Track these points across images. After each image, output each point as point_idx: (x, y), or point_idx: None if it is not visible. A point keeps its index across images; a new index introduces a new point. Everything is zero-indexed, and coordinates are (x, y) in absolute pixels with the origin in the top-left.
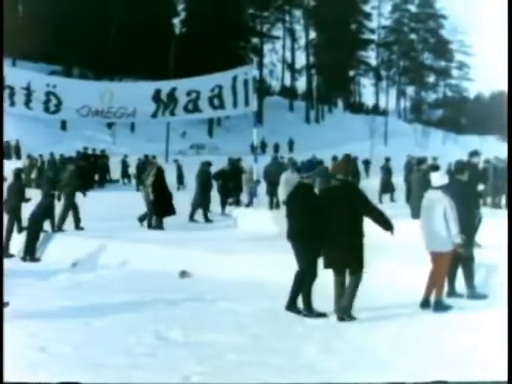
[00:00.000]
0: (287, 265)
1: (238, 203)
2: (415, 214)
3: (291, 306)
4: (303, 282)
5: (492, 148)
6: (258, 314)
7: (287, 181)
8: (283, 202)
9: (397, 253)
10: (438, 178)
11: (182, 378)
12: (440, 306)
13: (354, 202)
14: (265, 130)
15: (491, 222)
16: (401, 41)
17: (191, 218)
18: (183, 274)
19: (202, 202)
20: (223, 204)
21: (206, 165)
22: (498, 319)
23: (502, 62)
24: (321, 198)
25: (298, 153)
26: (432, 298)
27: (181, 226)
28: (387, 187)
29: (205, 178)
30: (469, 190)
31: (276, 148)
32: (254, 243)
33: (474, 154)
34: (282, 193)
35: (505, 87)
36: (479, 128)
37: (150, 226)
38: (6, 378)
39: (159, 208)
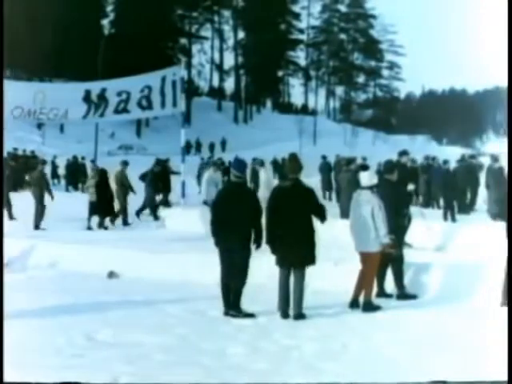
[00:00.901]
0: (215, 265)
1: (166, 203)
2: (344, 213)
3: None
4: (240, 284)
5: (422, 148)
6: (186, 315)
7: (209, 180)
8: (204, 202)
9: (325, 253)
10: (367, 178)
11: (111, 379)
12: (369, 307)
13: (306, 200)
14: (193, 131)
15: (422, 222)
16: (330, 41)
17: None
18: (111, 274)
19: (149, 201)
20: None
21: (157, 164)
22: (428, 318)
23: (434, 62)
24: (273, 196)
25: (227, 153)
26: (361, 299)
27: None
28: (328, 185)
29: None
30: (398, 189)
31: (211, 148)
32: (183, 243)
33: (404, 153)
34: (204, 192)
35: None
36: (409, 128)
37: (100, 226)
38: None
39: (100, 209)
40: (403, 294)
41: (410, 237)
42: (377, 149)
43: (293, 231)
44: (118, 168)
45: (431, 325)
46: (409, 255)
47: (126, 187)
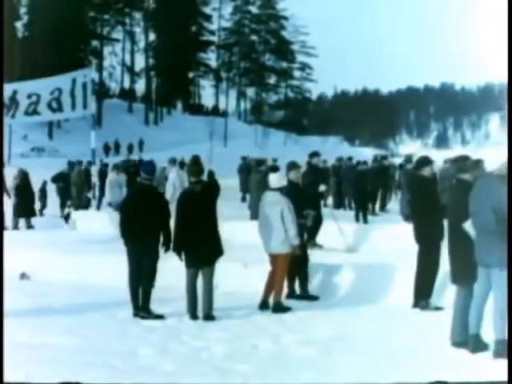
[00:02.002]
0: (124, 267)
1: (78, 206)
2: (254, 215)
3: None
4: (149, 285)
5: (334, 148)
6: (96, 316)
7: (112, 182)
8: (109, 204)
9: (235, 254)
10: (276, 180)
11: (25, 379)
12: (279, 308)
13: (213, 201)
14: (104, 133)
15: (333, 223)
16: (241, 42)
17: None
18: (23, 275)
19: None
20: (62, 206)
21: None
22: (338, 319)
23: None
24: (181, 201)
25: (135, 154)
26: (271, 300)
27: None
28: (246, 186)
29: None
30: (305, 190)
31: (130, 149)
32: (92, 245)
33: (314, 154)
34: (109, 194)
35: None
36: (321, 129)
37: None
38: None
39: (20, 209)
40: (305, 295)
41: (321, 238)
42: (288, 150)
43: (201, 232)
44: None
45: (341, 325)
46: (320, 256)
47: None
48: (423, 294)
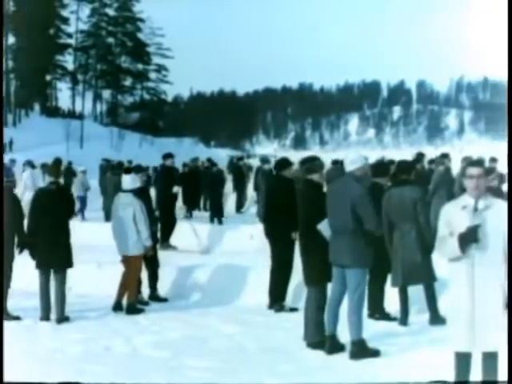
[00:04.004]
0: None
1: None
2: (108, 216)
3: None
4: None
5: (189, 150)
6: None
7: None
8: None
9: (89, 255)
10: (129, 181)
11: None
12: (132, 309)
13: (68, 203)
14: None
15: (188, 224)
16: (98, 44)
17: None
18: None
19: None
20: None
21: None
22: (192, 320)
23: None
24: (35, 198)
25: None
26: (124, 301)
27: None
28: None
29: None
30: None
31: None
32: None
33: (168, 156)
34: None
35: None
36: (177, 130)
37: None
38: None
39: None
40: (155, 296)
41: (175, 239)
42: (143, 151)
43: (51, 232)
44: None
45: (194, 326)
46: (174, 257)
47: None
48: (277, 295)
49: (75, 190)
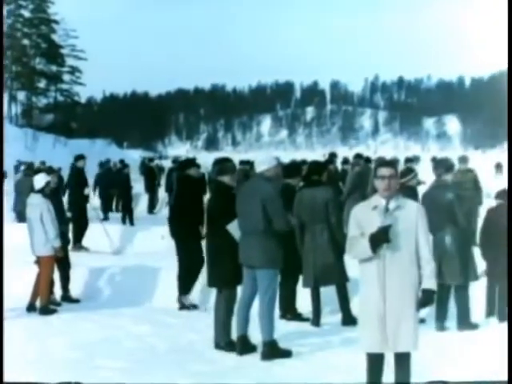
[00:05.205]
0: None
1: None
2: (20, 218)
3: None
4: None
5: (102, 151)
6: None
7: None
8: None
9: (9, 257)
10: (38, 182)
11: None
12: (45, 310)
13: None
14: None
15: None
16: (14, 46)
17: None
18: None
19: None
20: None
21: None
22: (104, 321)
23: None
24: None
25: None
26: (38, 302)
27: None
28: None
29: None
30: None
31: None
32: None
33: (80, 157)
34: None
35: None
36: (90, 132)
37: None
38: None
39: None
40: (67, 297)
41: (87, 240)
42: (57, 152)
43: None
44: None
45: (106, 327)
46: (85, 259)
47: None
48: (181, 292)
49: None
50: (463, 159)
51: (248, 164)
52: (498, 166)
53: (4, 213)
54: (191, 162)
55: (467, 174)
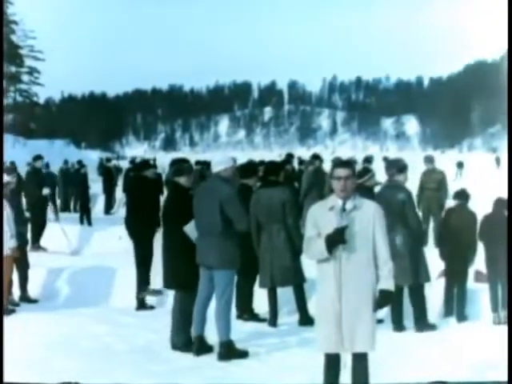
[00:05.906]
0: None
1: None
2: None
3: None
4: None
5: (60, 151)
6: None
7: None
8: None
9: None
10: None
11: None
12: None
13: None
14: None
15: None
16: None
17: None
18: None
19: None
20: None
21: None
22: (58, 321)
23: (75, 67)
24: None
25: None
26: None
27: None
28: None
29: None
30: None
31: None
32: None
33: (38, 158)
34: None
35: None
36: (48, 132)
37: None
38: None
39: None
40: (25, 298)
41: (45, 241)
42: (16, 153)
43: None
44: None
45: (64, 327)
46: (44, 259)
47: None
48: (140, 288)
49: None
50: (429, 159)
51: (204, 164)
52: (460, 165)
53: None
54: (147, 164)
55: (434, 174)
